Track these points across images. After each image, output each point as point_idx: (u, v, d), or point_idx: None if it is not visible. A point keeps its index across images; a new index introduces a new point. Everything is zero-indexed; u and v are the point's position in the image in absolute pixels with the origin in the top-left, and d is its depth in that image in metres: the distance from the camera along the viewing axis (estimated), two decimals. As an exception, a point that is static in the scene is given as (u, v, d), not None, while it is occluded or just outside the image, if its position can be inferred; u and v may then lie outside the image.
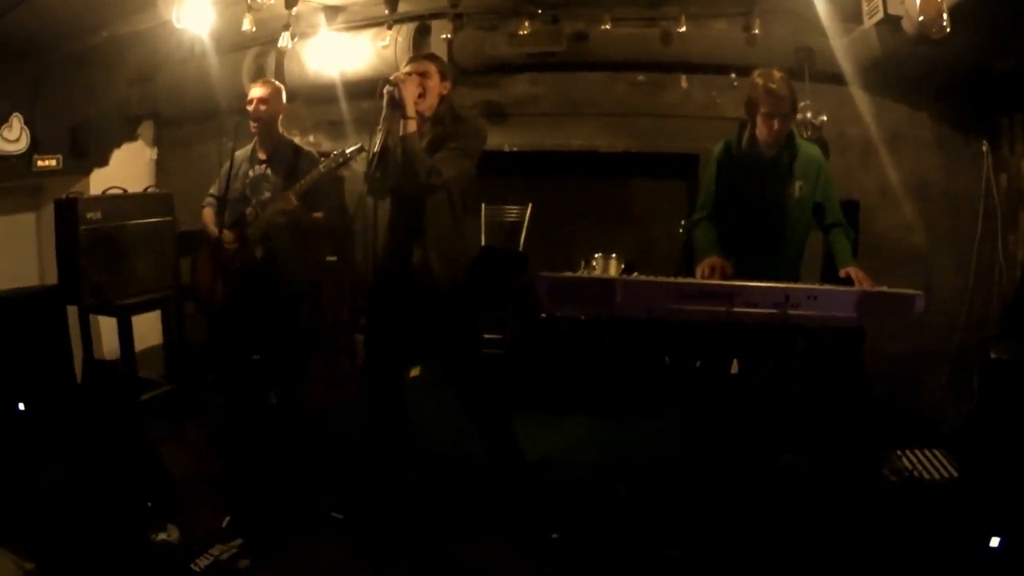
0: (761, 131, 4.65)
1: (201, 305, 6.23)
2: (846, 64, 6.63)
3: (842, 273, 4.49)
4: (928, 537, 4.30)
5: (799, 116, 6.67)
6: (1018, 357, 5.10)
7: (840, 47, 6.55)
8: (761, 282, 4.15)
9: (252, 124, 5.74)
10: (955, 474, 4.95)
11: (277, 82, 5.99)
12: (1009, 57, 5.93)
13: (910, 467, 5.08)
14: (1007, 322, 6.27)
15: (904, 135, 7.27)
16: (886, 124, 7.25)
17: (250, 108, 5.72)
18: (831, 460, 5.48)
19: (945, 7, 3.72)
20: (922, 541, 4.29)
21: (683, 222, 5.08)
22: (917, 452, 5.24)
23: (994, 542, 4.03)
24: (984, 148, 6.98)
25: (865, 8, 5.73)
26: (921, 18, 3.75)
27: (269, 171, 5.77)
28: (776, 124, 4.57)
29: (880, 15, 5.50)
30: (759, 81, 4.62)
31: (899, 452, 5.25)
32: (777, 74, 4.63)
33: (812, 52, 6.80)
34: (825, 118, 6.81)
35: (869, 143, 7.28)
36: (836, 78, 6.85)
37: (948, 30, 3.77)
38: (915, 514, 4.60)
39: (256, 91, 5.77)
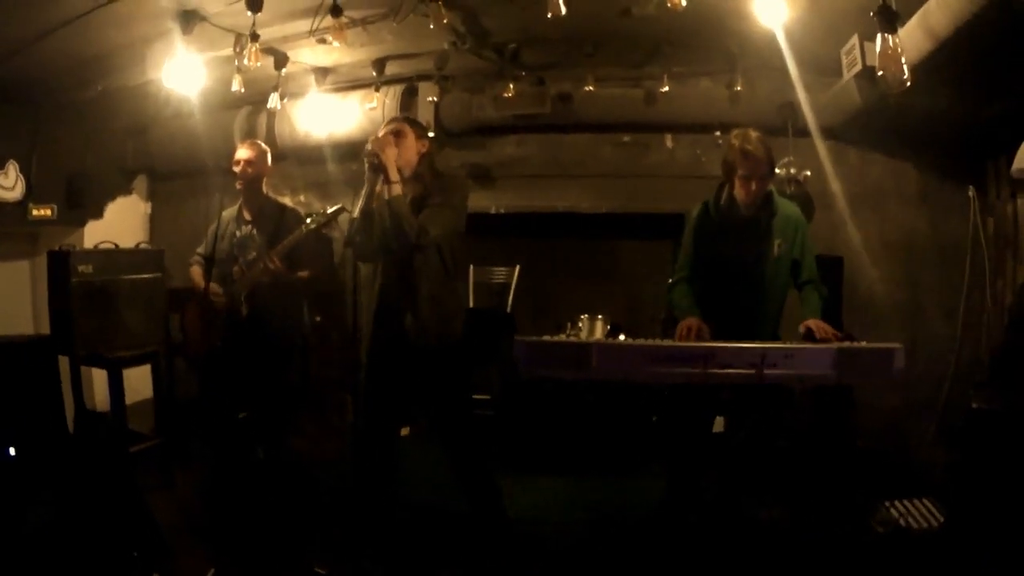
0: (739, 192, 4.66)
1: (190, 361, 6.28)
2: (829, 118, 6.73)
3: (801, 328, 4.49)
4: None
5: (781, 172, 6.74)
6: (1000, 406, 5.10)
7: (822, 101, 6.62)
8: (737, 342, 4.16)
9: (238, 184, 5.81)
10: (942, 522, 4.97)
11: (263, 144, 6.06)
12: (994, 102, 5.96)
13: (898, 517, 5.09)
14: (996, 368, 6.25)
15: (888, 187, 7.36)
16: (870, 177, 7.35)
17: (236, 169, 5.79)
18: (818, 514, 5.49)
19: (905, 61, 3.74)
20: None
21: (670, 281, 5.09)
22: (906, 502, 5.28)
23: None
24: (971, 194, 7.01)
25: (844, 61, 5.79)
26: (880, 72, 3.77)
27: (255, 231, 5.84)
28: (754, 185, 4.58)
29: (859, 66, 5.56)
30: (735, 143, 4.63)
31: (887, 503, 5.28)
32: (754, 135, 4.63)
33: (795, 107, 6.85)
34: (808, 173, 6.87)
35: (854, 197, 7.33)
36: (820, 133, 6.91)
37: (909, 84, 3.79)
38: (902, 563, 4.64)
39: (242, 152, 5.85)
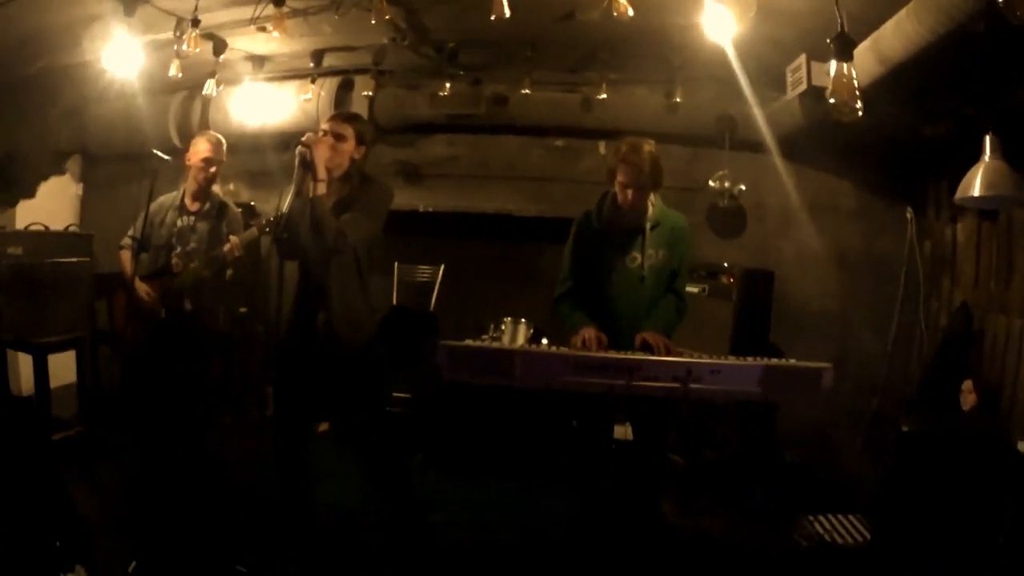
0: (618, 198, 4.62)
1: (119, 349, 6.17)
2: (768, 133, 6.73)
3: (638, 339, 4.42)
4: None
5: (715, 184, 6.77)
6: (929, 429, 5.15)
7: (762, 116, 6.64)
8: (664, 357, 4.14)
9: (199, 177, 5.72)
10: (868, 538, 5.00)
11: (219, 135, 5.91)
12: (937, 123, 6.02)
13: (822, 532, 5.11)
14: (927, 387, 6.33)
15: (824, 203, 7.44)
16: (806, 192, 7.41)
17: (199, 164, 5.71)
18: (741, 525, 5.53)
19: (858, 89, 3.73)
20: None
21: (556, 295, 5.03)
22: (831, 517, 5.30)
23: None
24: (908, 215, 7.03)
25: (789, 79, 5.79)
26: (832, 101, 3.75)
27: (198, 223, 5.75)
28: (630, 194, 4.54)
29: (804, 86, 5.57)
30: (622, 148, 4.58)
31: (811, 517, 5.29)
32: (644, 146, 4.56)
33: (734, 120, 6.90)
34: (743, 187, 6.91)
35: (788, 211, 7.42)
36: (757, 146, 6.97)
37: (860, 114, 3.78)
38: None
39: (204, 148, 5.73)
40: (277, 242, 4.43)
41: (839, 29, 3.64)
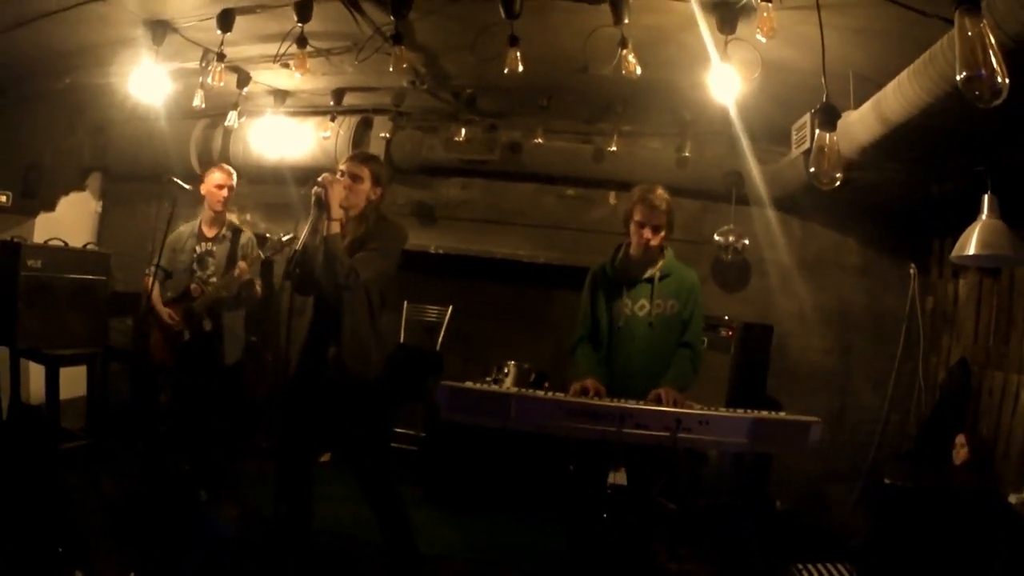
0: (633, 239, 4.72)
1: (154, 370, 6.28)
2: (773, 189, 6.85)
3: (651, 394, 4.42)
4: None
5: (720, 239, 6.83)
6: (913, 482, 5.20)
7: (769, 172, 6.75)
8: (653, 406, 4.23)
9: (217, 206, 6.11)
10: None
11: (230, 167, 6.28)
12: (945, 181, 6.09)
13: (809, 579, 5.18)
14: (922, 441, 6.36)
15: (828, 259, 7.51)
16: (811, 248, 7.50)
17: (215, 193, 6.08)
18: (731, 571, 5.58)
19: (839, 160, 3.75)
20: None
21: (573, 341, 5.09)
22: (819, 566, 5.34)
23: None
24: (912, 271, 7.17)
25: (794, 137, 5.83)
26: (812, 169, 3.79)
27: (215, 248, 6.07)
28: (647, 233, 4.63)
29: (807, 144, 5.59)
30: (636, 193, 4.72)
31: (799, 566, 5.34)
32: (659, 190, 4.69)
33: (740, 176, 7.00)
34: (747, 241, 6.99)
35: (792, 267, 7.48)
36: (763, 202, 7.06)
37: (838, 183, 3.82)
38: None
39: (221, 178, 6.13)
40: (291, 277, 4.52)
41: (823, 100, 3.69)
